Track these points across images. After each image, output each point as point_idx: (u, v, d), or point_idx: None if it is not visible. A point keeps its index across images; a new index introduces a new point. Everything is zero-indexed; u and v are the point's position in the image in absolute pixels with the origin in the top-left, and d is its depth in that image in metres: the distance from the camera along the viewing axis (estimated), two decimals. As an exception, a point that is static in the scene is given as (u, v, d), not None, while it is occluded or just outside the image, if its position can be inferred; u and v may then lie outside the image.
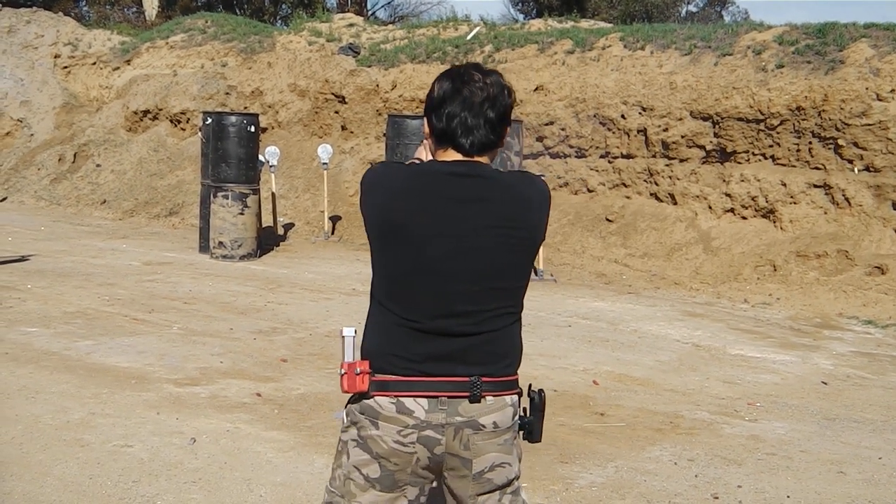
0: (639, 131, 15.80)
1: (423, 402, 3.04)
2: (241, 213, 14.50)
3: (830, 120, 13.77)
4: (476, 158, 3.11)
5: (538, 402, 3.25)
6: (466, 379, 3.04)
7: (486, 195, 3.06)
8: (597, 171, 16.35)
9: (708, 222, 14.81)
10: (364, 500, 3.14)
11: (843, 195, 13.63)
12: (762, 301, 12.56)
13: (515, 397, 3.18)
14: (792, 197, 14.08)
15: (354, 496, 3.15)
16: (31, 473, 5.92)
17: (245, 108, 20.44)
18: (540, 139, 16.82)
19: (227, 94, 21.75)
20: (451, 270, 3.03)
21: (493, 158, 3.19)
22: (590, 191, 16.37)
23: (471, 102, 3.07)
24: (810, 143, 14.11)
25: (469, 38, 20.19)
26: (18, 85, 25.57)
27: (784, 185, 14.17)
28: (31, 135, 24.39)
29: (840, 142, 13.77)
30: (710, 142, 15.09)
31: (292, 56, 21.82)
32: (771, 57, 15.06)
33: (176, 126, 21.81)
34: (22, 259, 13.95)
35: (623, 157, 16.06)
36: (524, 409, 3.24)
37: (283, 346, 9.45)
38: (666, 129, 15.43)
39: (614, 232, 15.35)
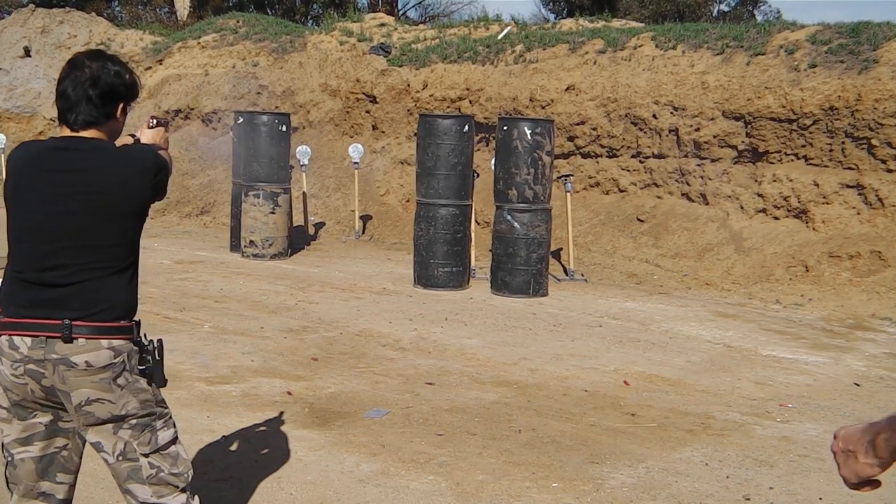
0: (670, 131, 15.73)
1: (28, 340, 3.50)
2: (272, 212, 14.54)
3: (864, 120, 13.66)
4: (81, 133, 3.63)
5: (153, 350, 3.74)
6: (59, 322, 3.48)
7: (81, 166, 3.57)
8: (628, 170, 16.29)
9: (740, 222, 14.72)
10: (11, 431, 3.66)
11: (877, 195, 13.51)
12: (794, 302, 12.47)
13: (118, 342, 3.58)
14: (824, 197, 13.98)
15: (3, 433, 3.68)
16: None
17: (276, 107, 20.47)
18: (571, 139, 16.77)
19: (259, 93, 21.79)
20: (47, 231, 3.54)
21: (113, 133, 3.72)
22: (621, 191, 16.32)
23: (76, 83, 3.58)
24: (843, 143, 14.00)
25: (500, 37, 20.15)
26: (52, 85, 25.44)
27: (816, 185, 14.07)
28: (60, 134, 24.53)
29: (873, 142, 13.65)
30: (742, 142, 15.00)
31: (323, 56, 21.83)
32: (804, 56, 14.96)
33: (207, 125, 21.88)
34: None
35: (654, 156, 16.00)
36: (144, 358, 3.69)
37: (314, 344, 9.47)
38: (698, 129, 15.35)
39: (645, 232, 15.29)
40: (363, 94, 20.18)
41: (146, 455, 3.69)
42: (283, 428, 6.93)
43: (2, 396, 3.62)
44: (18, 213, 3.57)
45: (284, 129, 14.98)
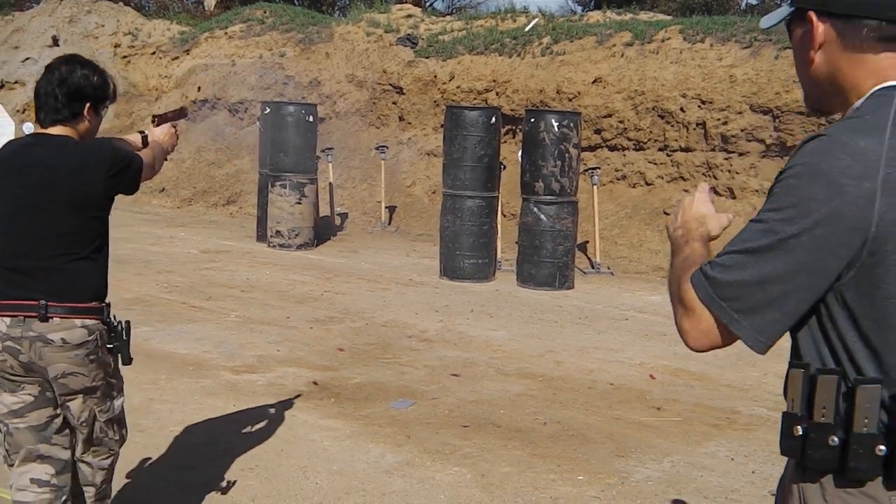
0: (698, 124, 15.66)
1: (8, 320, 3.86)
2: (299, 203, 14.56)
3: (893, 114, 13.56)
4: (48, 130, 3.98)
5: (121, 330, 4.10)
6: (35, 303, 3.84)
7: (42, 161, 3.91)
8: (655, 164, 16.23)
9: (767, 217, 14.63)
10: (3, 405, 3.98)
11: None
12: (821, 297, 12.39)
13: (90, 321, 3.95)
14: (852, 192, 13.88)
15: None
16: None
17: (303, 98, 20.47)
18: (598, 132, 16.72)
19: (285, 84, 21.80)
20: (18, 222, 3.92)
21: (85, 133, 4.05)
22: (648, 184, 16.26)
23: (47, 84, 3.95)
24: (872, 137, 13.89)
25: (527, 29, 20.10)
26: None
27: (845, 179, 13.97)
28: (92, 123, 24.64)
29: (903, 136, 13.55)
30: (770, 136, 14.93)
31: (350, 47, 21.84)
32: (833, 50, 14.83)
33: (234, 115, 21.91)
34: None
35: (681, 150, 15.93)
36: (112, 337, 4.07)
37: (340, 335, 9.49)
38: (725, 123, 15.28)
39: (672, 225, 15.21)
40: (390, 85, 20.18)
41: (102, 421, 4.14)
42: (308, 418, 6.95)
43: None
44: (3, 205, 3.97)
45: (311, 119, 15.00)
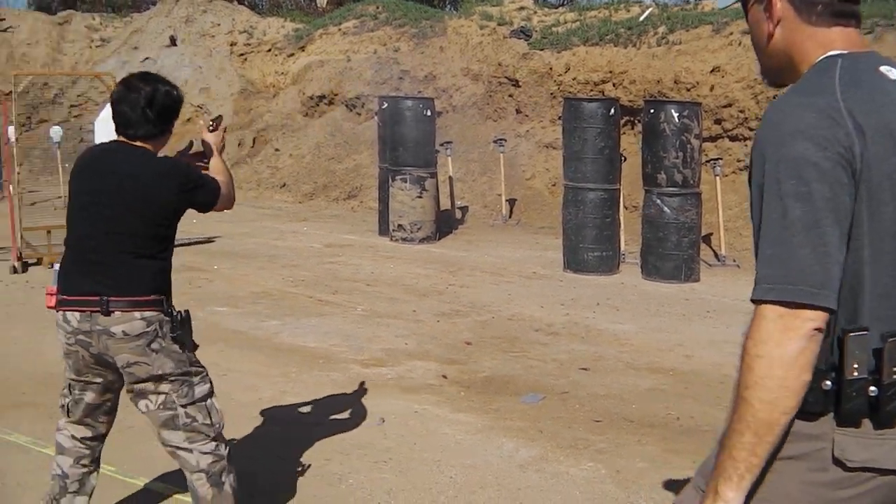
0: (821, 112, 15.31)
1: (77, 315, 4.17)
2: (420, 197, 14.60)
3: None
4: (133, 142, 4.29)
5: (181, 320, 4.31)
6: (98, 298, 4.13)
7: (124, 169, 4.22)
8: (778, 153, 15.90)
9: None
10: (70, 383, 4.40)
11: None
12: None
13: (149, 313, 4.19)
14: None
15: (69, 375, 4.38)
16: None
17: (419, 92, 20.52)
18: (718, 122, 16.47)
19: (401, 78, 21.90)
20: (88, 221, 4.24)
21: (163, 144, 4.41)
22: (770, 174, 15.93)
23: (133, 105, 4.24)
24: None
25: (641, 19, 19.89)
26: (198, 72, 26.25)
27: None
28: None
29: None
30: None
31: (464, 40, 21.84)
32: (962, 33, 14.45)
33: (351, 111, 22.08)
34: (208, 241, 14.36)
35: (805, 139, 15.59)
36: (174, 327, 4.28)
37: (467, 328, 9.49)
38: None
39: (797, 216, 14.91)
40: (505, 77, 20.12)
41: (184, 406, 4.32)
42: (439, 411, 6.96)
43: (65, 360, 4.37)
44: (73, 206, 4.34)
45: (429, 113, 15.03)
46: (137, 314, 4.17)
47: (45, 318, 9.66)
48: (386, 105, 15.36)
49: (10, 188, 12.38)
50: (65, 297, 4.23)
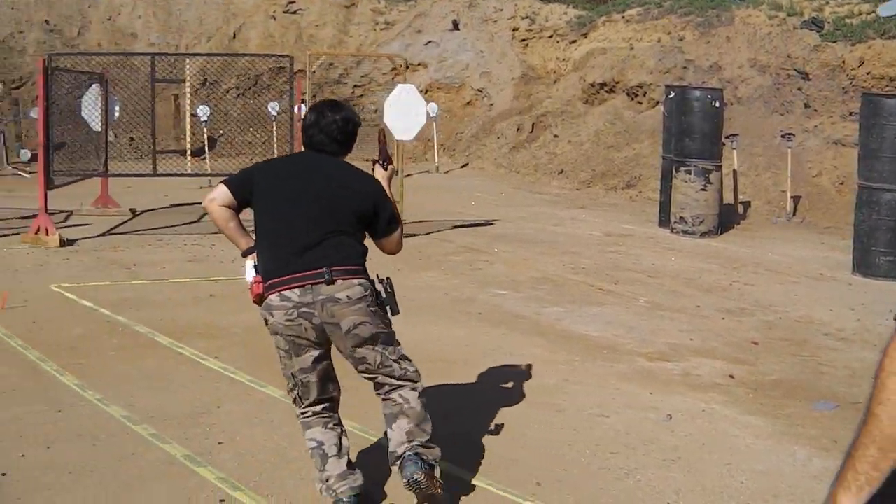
0: None
1: (297, 290, 4.66)
2: (704, 189, 14.24)
3: None
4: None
5: (387, 286, 4.90)
6: (321, 270, 4.67)
7: (327, 171, 4.91)
8: None
9: None
10: (294, 364, 4.80)
11: None
12: None
13: (363, 280, 4.78)
14: None
15: (289, 367, 4.84)
16: (508, 434, 6.05)
17: (703, 82, 20.05)
18: None
19: (685, 68, 21.47)
20: (298, 211, 4.80)
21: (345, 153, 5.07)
22: None
23: (325, 131, 4.93)
24: None
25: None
26: (479, 57, 26.49)
27: None
28: (491, 105, 25.25)
29: None
30: None
31: (752, 30, 21.20)
32: None
33: (632, 99, 21.80)
34: (487, 223, 14.45)
35: None
36: (379, 293, 4.85)
37: (753, 327, 9.15)
38: None
39: None
40: (794, 70, 19.42)
41: (396, 361, 4.89)
42: (728, 412, 6.72)
43: (280, 342, 4.78)
44: (278, 208, 4.83)
45: (717, 105, 14.65)
46: (356, 281, 4.74)
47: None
48: (673, 94, 15.07)
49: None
50: (281, 278, 4.70)
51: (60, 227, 12.80)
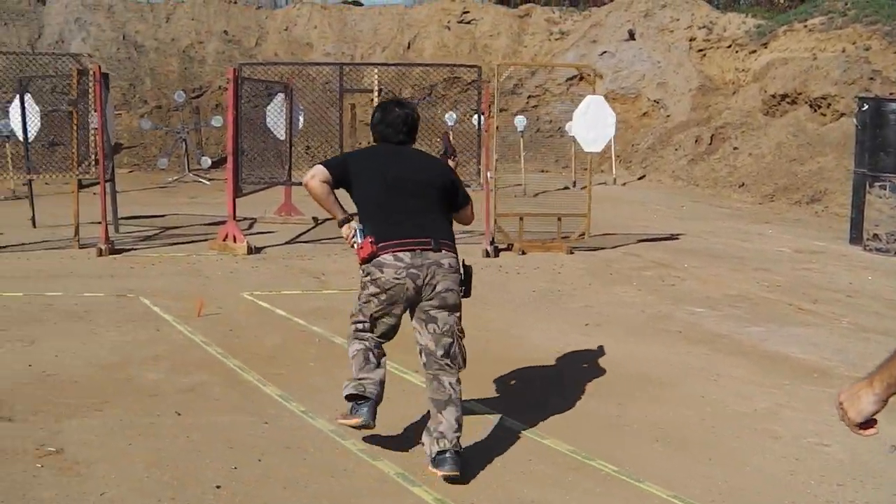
0: None
1: (409, 254, 5.50)
2: (901, 206, 13.64)
3: None
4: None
5: (467, 270, 5.71)
6: (429, 239, 5.55)
7: (416, 157, 5.93)
8: None
9: None
10: (374, 310, 5.63)
11: None
12: None
13: (456, 256, 5.68)
14: None
15: (371, 310, 5.66)
16: (728, 461, 5.84)
17: (890, 94, 19.33)
18: None
19: (871, 79, 20.73)
20: (407, 189, 5.68)
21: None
22: None
23: (393, 124, 5.87)
24: None
25: None
26: (655, 67, 26.12)
27: None
28: (667, 116, 24.86)
29: None
30: None
31: (947, 39, 20.41)
32: None
33: (816, 111, 21.13)
34: (672, 237, 14.15)
35: None
36: (465, 273, 5.69)
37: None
38: None
39: None
40: None
41: (459, 337, 5.68)
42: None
43: (381, 294, 5.57)
44: (378, 186, 5.71)
45: (914, 117, 14.04)
46: (453, 253, 5.69)
47: (522, 303, 9.80)
48: (867, 107, 14.50)
49: (488, 175, 12.68)
50: (395, 241, 5.53)
51: (246, 235, 12.97)
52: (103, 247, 12.26)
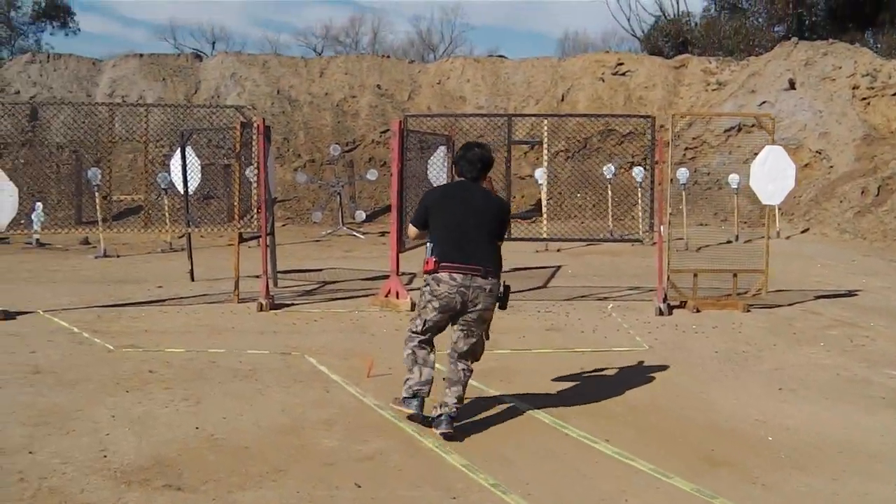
0: None
1: (460, 276, 7.01)
2: None
3: None
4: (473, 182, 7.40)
5: (505, 289, 7.20)
6: (480, 268, 7.03)
7: (476, 196, 7.28)
8: None
9: None
10: (434, 317, 7.16)
11: None
12: None
13: (497, 282, 7.13)
14: None
15: (427, 315, 7.17)
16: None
17: None
18: None
19: None
20: (464, 224, 7.12)
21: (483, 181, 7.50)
22: None
23: (471, 162, 7.36)
24: None
25: None
26: (816, 117, 25.33)
27: None
28: (831, 167, 24.01)
29: None
30: None
31: None
32: None
33: None
34: (850, 294, 13.44)
35: None
36: (503, 292, 7.20)
37: None
38: None
39: None
40: None
41: (481, 338, 7.29)
42: None
43: (435, 302, 7.11)
44: (448, 216, 7.19)
45: None
46: (495, 280, 7.16)
47: (707, 365, 9.24)
48: None
49: (662, 230, 12.19)
50: (452, 264, 7.06)
51: (409, 291, 12.68)
52: (264, 301, 12.12)
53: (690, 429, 7.22)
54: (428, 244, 7.20)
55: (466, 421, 7.35)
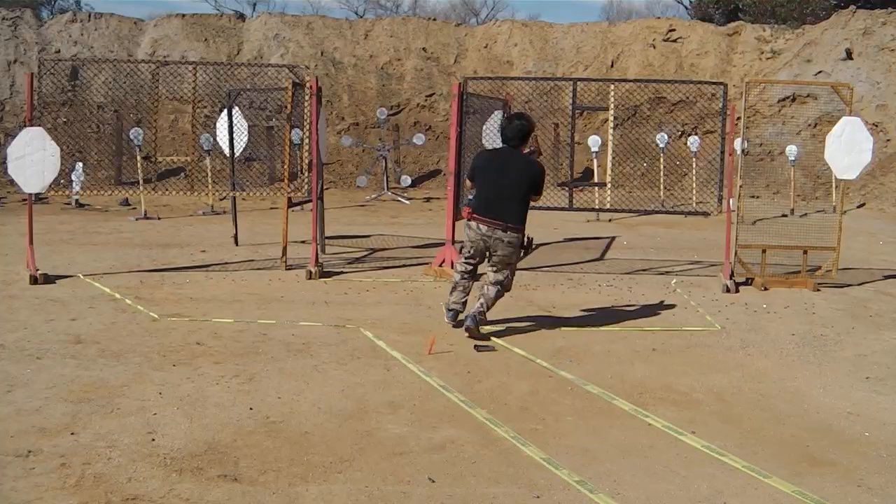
0: None
1: (484, 226, 8.80)
2: None
3: None
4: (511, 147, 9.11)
5: (530, 240, 8.98)
6: (503, 223, 8.76)
7: (511, 159, 8.95)
8: None
9: None
10: (467, 252, 9.12)
11: None
12: None
13: (519, 235, 8.82)
14: None
15: (464, 250, 9.16)
16: None
17: None
18: None
19: None
20: (497, 183, 8.83)
21: (524, 147, 9.14)
22: None
23: (514, 130, 9.00)
24: None
25: None
26: (874, 88, 24.56)
27: None
28: (888, 140, 23.27)
29: None
30: None
31: None
32: None
33: None
34: (921, 275, 12.90)
35: None
36: (527, 243, 8.98)
37: None
38: None
39: None
40: None
41: (510, 277, 9.06)
42: None
43: (469, 244, 8.95)
44: (487, 176, 8.90)
45: None
46: (515, 234, 8.73)
47: (786, 350, 8.72)
48: None
49: (731, 202, 11.65)
50: (481, 216, 8.76)
51: (462, 261, 12.22)
52: (313, 269, 11.70)
53: (780, 421, 6.73)
54: (468, 196, 9.34)
55: (537, 405, 6.89)
